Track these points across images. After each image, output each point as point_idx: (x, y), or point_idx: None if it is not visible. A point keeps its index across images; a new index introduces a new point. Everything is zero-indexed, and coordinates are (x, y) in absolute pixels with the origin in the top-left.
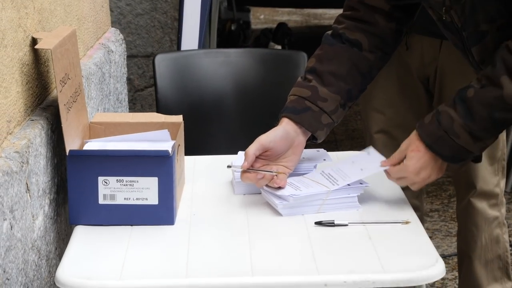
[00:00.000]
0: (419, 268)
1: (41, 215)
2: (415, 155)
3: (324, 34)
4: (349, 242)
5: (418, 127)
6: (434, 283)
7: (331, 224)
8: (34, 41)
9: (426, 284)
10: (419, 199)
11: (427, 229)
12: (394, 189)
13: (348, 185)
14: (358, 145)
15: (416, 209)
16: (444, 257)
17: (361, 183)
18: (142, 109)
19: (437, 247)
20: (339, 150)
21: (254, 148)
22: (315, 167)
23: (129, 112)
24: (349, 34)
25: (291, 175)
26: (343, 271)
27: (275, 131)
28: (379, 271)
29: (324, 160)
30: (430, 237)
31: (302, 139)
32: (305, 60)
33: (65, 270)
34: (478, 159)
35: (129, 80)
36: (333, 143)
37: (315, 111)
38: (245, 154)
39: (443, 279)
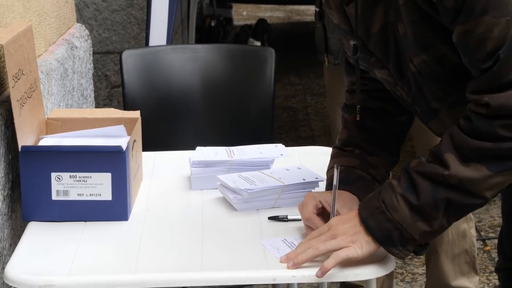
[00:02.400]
0: (368, 263)
1: None
2: (343, 215)
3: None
4: (301, 237)
5: (361, 202)
6: (404, 277)
7: (284, 219)
8: None
9: (395, 279)
10: None
11: None
12: None
13: (304, 179)
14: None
15: None
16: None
17: (316, 178)
18: (119, 106)
19: None
20: (316, 145)
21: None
22: (272, 162)
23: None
24: (371, 104)
25: (247, 170)
26: None
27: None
28: None
29: (281, 155)
30: None
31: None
32: (273, 56)
33: (14, 267)
34: (420, 251)
35: (106, 77)
36: (310, 139)
37: (367, 179)
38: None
39: (413, 273)
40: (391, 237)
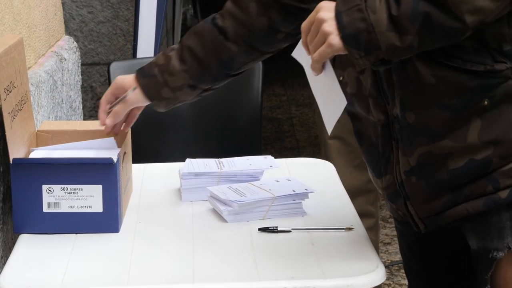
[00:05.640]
0: (360, 274)
1: None
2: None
3: None
4: (291, 248)
5: None
6: None
7: (274, 230)
8: None
9: None
10: (374, 205)
11: (386, 235)
12: (340, 195)
13: (293, 191)
14: (320, 151)
15: (371, 215)
16: (402, 263)
17: (306, 189)
18: None
19: (396, 253)
20: (301, 156)
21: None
22: (261, 173)
23: (90, 120)
24: (220, 21)
25: (237, 181)
26: (284, 277)
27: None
28: (320, 276)
29: (271, 166)
30: (389, 243)
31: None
32: (260, 68)
33: (6, 279)
34: (380, 65)
35: (91, 88)
36: (296, 150)
37: (159, 81)
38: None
39: (400, 285)
40: (358, 38)
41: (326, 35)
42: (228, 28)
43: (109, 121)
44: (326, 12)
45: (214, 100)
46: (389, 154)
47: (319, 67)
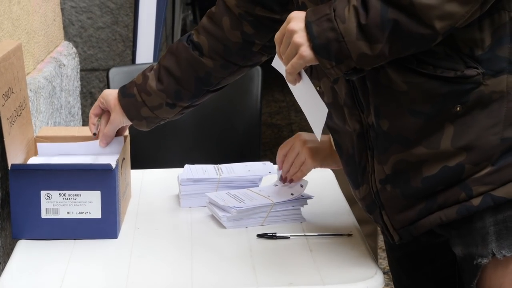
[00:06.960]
0: (358, 280)
1: None
2: (296, 12)
3: None
4: (290, 254)
5: (312, 8)
6: None
7: (272, 236)
8: None
9: None
10: None
11: (384, 241)
12: (338, 202)
13: (292, 194)
14: None
15: (370, 222)
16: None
17: (305, 196)
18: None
19: None
20: None
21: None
22: (260, 179)
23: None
24: (196, 37)
25: (236, 187)
26: (283, 283)
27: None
28: (318, 283)
29: (270, 173)
30: None
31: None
32: (259, 74)
33: (5, 285)
34: (351, 74)
35: (91, 94)
36: None
37: (138, 100)
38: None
39: None
40: (328, 48)
41: (297, 47)
42: (203, 43)
43: (102, 144)
44: (296, 22)
45: (214, 106)
46: (365, 163)
47: (294, 79)
